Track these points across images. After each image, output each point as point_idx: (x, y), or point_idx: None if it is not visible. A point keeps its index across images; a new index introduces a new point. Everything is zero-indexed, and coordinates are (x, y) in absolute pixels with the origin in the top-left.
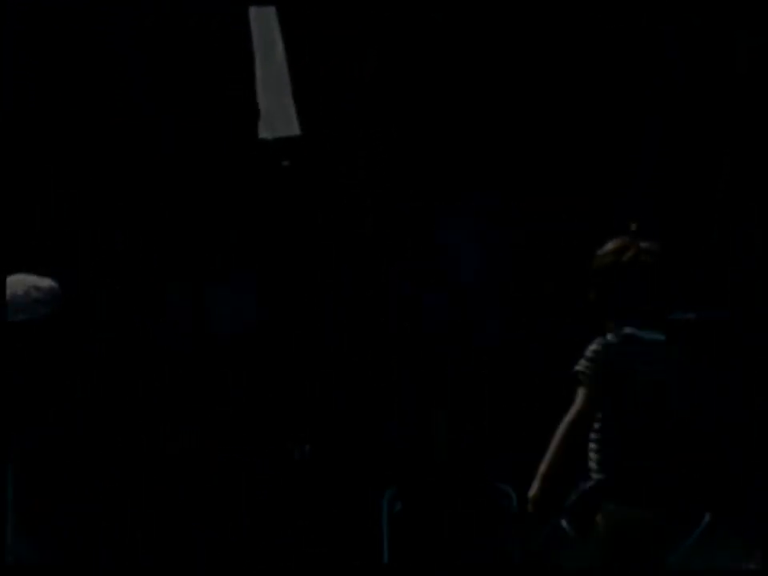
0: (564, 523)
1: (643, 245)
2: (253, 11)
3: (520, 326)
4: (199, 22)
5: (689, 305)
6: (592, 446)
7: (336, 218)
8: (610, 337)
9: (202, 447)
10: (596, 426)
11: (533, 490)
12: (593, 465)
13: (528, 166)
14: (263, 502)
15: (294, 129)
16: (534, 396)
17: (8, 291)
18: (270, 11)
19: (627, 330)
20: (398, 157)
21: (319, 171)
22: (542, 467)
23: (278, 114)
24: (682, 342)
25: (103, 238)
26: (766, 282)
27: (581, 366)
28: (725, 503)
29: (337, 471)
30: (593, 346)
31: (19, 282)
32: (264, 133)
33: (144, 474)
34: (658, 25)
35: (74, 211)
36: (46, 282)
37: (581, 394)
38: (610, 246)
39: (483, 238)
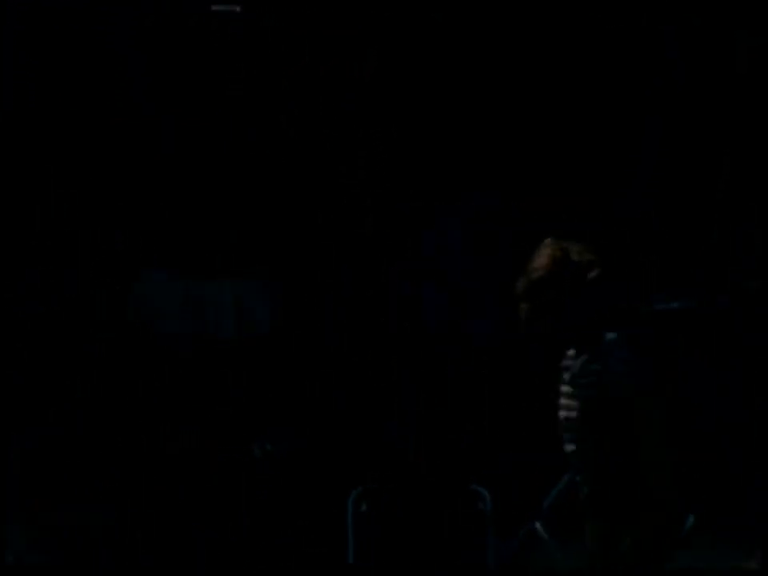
0: (539, 526)
1: (576, 247)
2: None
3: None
4: (199, 22)
5: (676, 294)
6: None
7: (336, 217)
8: (620, 345)
9: (202, 447)
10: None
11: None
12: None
13: (528, 166)
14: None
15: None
16: (533, 396)
17: None
18: (234, 9)
19: (610, 335)
20: (397, 157)
21: (319, 171)
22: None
23: None
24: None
25: (103, 238)
26: (766, 282)
27: (635, 380)
28: (724, 503)
29: (301, 470)
30: (624, 357)
31: None
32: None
33: (144, 473)
34: (658, 25)
35: (74, 211)
36: None
37: (650, 409)
38: (544, 256)
39: (483, 238)
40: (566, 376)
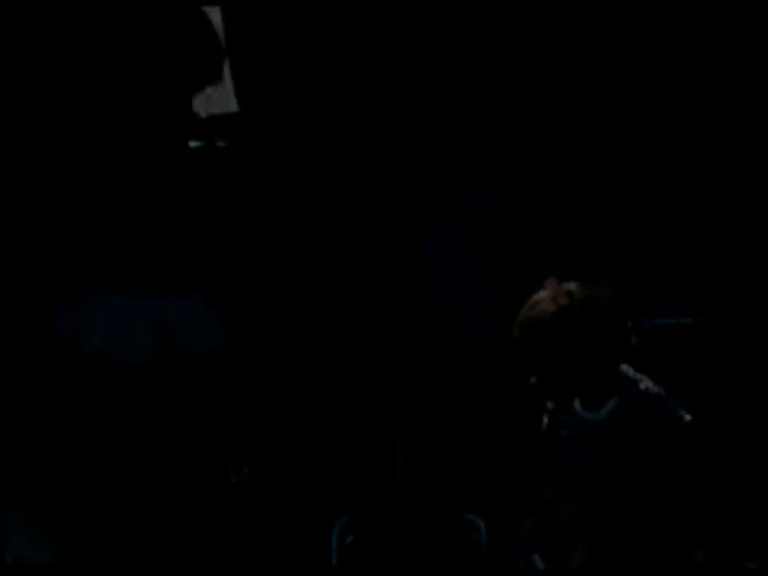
0: (537, 558)
1: (570, 286)
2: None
3: None
4: (199, 21)
5: (685, 309)
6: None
7: (336, 217)
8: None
9: (202, 447)
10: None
11: None
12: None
13: (528, 166)
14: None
15: (230, 105)
16: (533, 397)
17: None
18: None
19: (624, 369)
20: (397, 157)
21: (319, 171)
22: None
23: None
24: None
25: (103, 238)
26: (766, 282)
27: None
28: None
29: (283, 496)
30: (656, 389)
31: None
32: (198, 109)
33: (144, 473)
34: (658, 25)
35: (74, 211)
36: None
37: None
38: (548, 302)
39: (483, 238)
40: (577, 422)
